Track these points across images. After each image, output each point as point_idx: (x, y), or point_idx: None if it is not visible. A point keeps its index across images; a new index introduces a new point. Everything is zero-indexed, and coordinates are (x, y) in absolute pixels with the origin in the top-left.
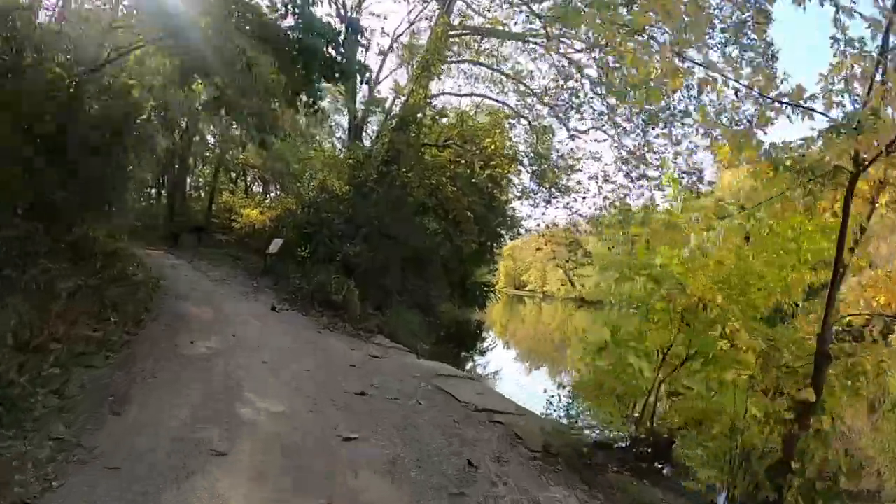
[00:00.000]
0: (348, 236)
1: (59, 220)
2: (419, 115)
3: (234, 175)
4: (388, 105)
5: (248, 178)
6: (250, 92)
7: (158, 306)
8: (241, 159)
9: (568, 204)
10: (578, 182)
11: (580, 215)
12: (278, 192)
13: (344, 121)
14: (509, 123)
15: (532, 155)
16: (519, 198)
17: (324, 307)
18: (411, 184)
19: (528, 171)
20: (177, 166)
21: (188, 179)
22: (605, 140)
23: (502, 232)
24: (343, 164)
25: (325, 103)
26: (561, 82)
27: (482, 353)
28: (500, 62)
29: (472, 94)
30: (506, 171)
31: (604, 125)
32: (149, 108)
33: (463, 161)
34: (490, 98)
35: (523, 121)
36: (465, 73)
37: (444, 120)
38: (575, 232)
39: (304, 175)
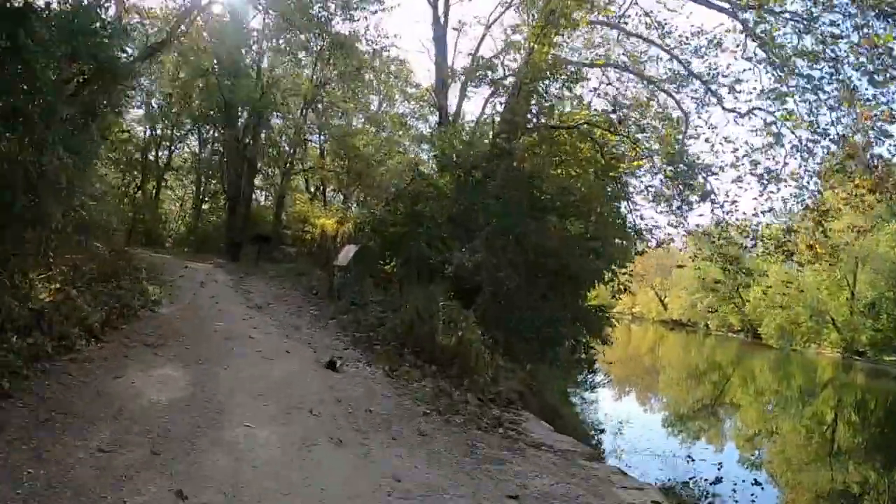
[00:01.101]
0: (456, 241)
1: None
2: (546, 83)
3: (308, 181)
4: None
5: (326, 188)
6: None
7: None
8: (316, 162)
9: (714, 210)
10: (738, 181)
11: (731, 224)
12: (359, 200)
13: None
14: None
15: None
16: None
17: (422, 357)
18: (537, 173)
19: (660, 166)
20: (242, 169)
21: (256, 184)
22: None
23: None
24: (445, 140)
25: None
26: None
27: (591, 387)
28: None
29: (605, 65)
30: (636, 165)
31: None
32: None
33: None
34: (624, 69)
35: (668, 101)
36: (584, 36)
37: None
38: (721, 243)
39: (390, 160)
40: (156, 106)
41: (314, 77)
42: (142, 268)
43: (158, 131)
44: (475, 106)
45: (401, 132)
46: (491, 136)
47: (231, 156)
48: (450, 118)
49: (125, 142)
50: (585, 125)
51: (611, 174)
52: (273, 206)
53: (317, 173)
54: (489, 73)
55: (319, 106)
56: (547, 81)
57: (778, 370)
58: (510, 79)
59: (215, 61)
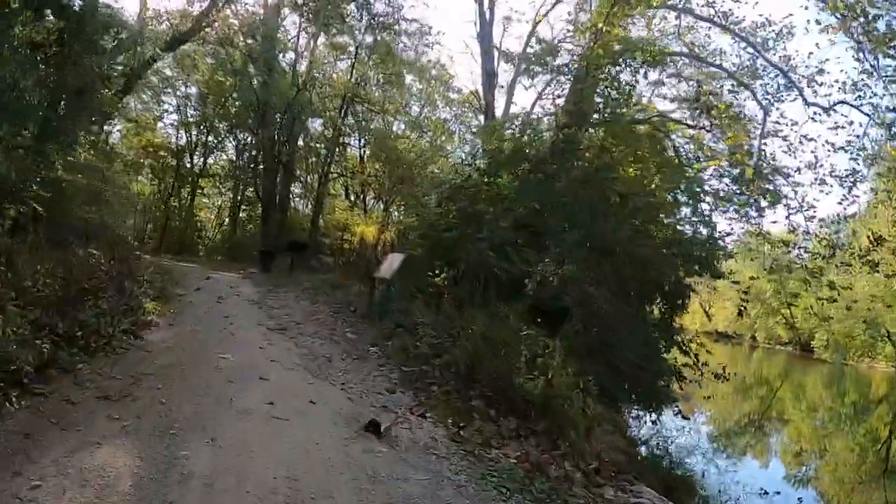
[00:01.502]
0: (529, 248)
1: None
2: (617, 68)
3: (347, 187)
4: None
5: (367, 195)
6: None
7: None
8: (356, 166)
9: (790, 215)
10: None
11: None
12: (402, 207)
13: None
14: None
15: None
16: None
17: (497, 405)
18: (610, 170)
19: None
20: (277, 173)
21: (292, 190)
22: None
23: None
24: (496, 134)
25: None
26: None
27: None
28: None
29: (675, 54)
30: (709, 165)
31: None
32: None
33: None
34: (697, 58)
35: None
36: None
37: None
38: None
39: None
40: (190, 110)
41: (352, 74)
42: (145, 279)
43: (193, 137)
44: (524, 103)
45: (443, 137)
46: (554, 129)
47: (266, 159)
48: (496, 118)
49: (160, 147)
50: (658, 117)
51: (687, 175)
52: (310, 212)
53: (356, 178)
54: (549, 59)
55: (358, 108)
56: (618, 67)
57: (831, 385)
58: (568, 65)
59: (248, 55)
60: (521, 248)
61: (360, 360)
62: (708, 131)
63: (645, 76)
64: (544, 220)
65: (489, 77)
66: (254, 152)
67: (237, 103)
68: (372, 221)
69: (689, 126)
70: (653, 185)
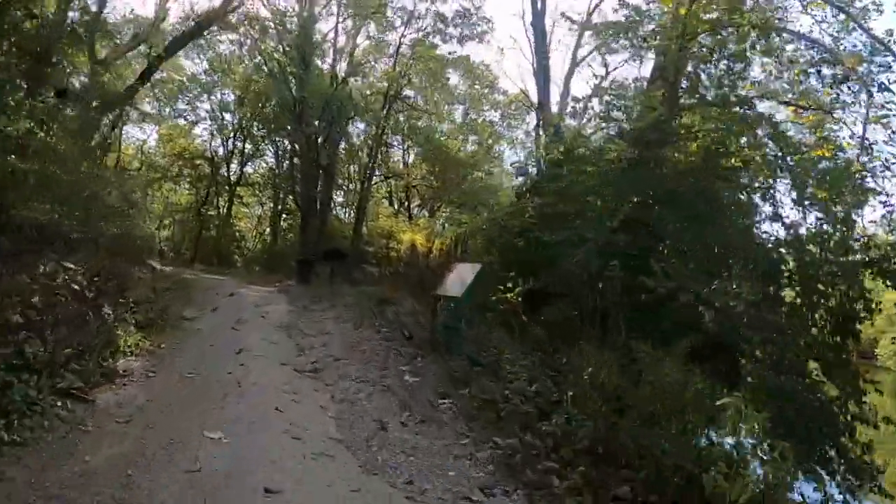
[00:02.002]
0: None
1: None
2: (721, 35)
3: (391, 193)
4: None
5: (411, 201)
6: None
7: None
8: (398, 170)
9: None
10: None
11: None
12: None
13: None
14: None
15: None
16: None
17: None
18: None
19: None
20: (316, 177)
21: (333, 196)
22: None
23: None
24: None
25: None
26: None
27: None
28: None
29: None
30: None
31: None
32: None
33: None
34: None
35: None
36: None
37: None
38: None
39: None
40: (227, 115)
41: (395, 66)
42: (148, 299)
43: (229, 144)
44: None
45: (489, 139)
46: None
47: (303, 162)
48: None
49: (194, 154)
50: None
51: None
52: (352, 219)
53: (403, 181)
54: (633, 26)
55: (401, 116)
56: (722, 35)
57: None
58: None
59: (282, 47)
60: (633, 254)
61: (427, 423)
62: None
63: (753, 48)
64: (652, 218)
65: (543, 76)
66: (292, 157)
67: (275, 107)
68: (419, 228)
69: (802, 107)
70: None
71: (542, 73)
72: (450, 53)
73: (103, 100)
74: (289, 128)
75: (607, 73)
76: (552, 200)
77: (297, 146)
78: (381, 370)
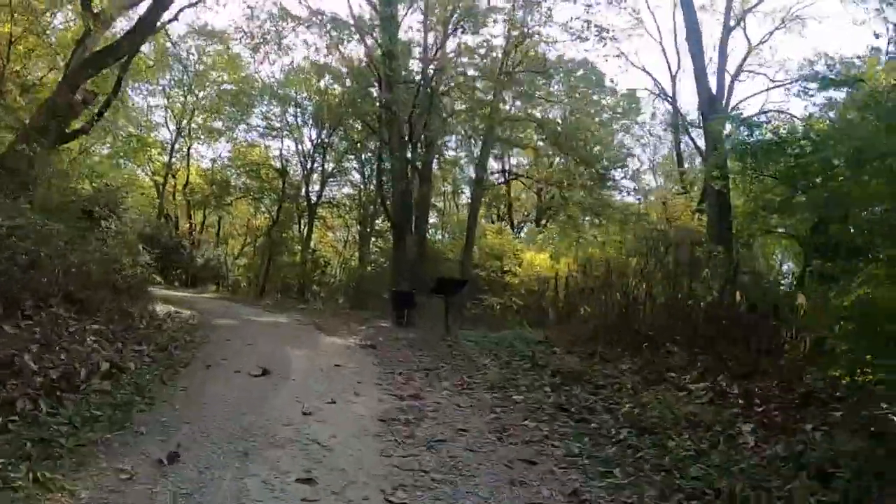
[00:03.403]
0: None
1: None
2: None
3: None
4: None
5: (513, 213)
6: None
7: None
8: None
9: None
10: None
11: None
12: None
13: None
14: None
15: None
16: None
17: None
18: None
19: None
20: (412, 184)
21: (429, 216)
22: None
23: None
24: None
25: None
26: None
27: None
28: None
29: None
30: None
31: None
32: None
33: None
34: None
35: None
36: None
37: None
38: None
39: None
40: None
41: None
42: None
43: (308, 162)
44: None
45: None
46: None
47: (395, 166)
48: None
49: (265, 165)
50: None
51: None
52: (451, 235)
53: (532, 181)
54: None
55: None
56: None
57: None
58: None
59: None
60: None
61: None
62: None
63: None
64: None
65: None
66: (380, 161)
67: (360, 108)
68: (536, 245)
69: None
70: None
71: (694, 37)
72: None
73: None
74: (375, 130)
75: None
76: None
77: (385, 143)
78: None
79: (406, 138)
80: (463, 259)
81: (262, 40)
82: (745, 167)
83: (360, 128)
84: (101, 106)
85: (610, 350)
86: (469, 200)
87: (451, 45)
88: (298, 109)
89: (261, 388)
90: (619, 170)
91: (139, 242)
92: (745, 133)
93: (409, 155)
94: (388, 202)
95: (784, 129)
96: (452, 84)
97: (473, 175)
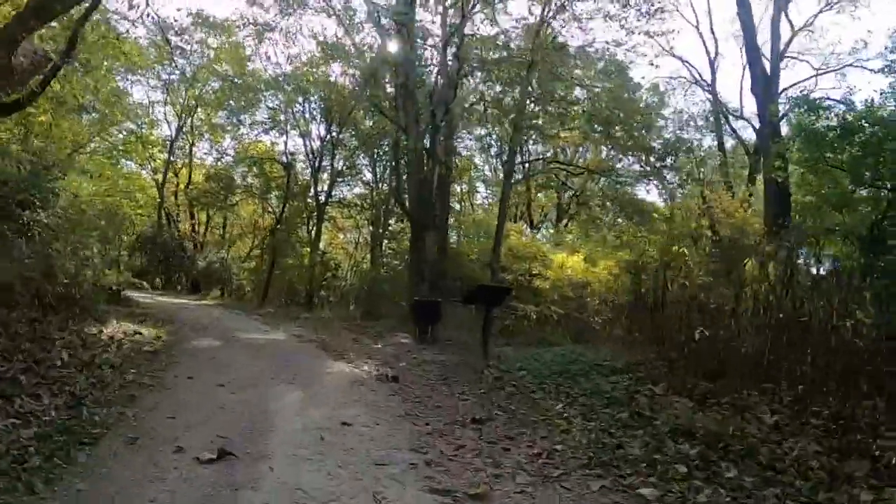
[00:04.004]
0: None
1: None
2: None
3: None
4: None
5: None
6: None
7: None
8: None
9: None
10: None
11: None
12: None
13: None
14: None
15: None
16: None
17: None
18: None
19: None
20: (431, 174)
21: (449, 218)
22: None
23: None
24: None
25: None
26: None
27: None
28: None
29: None
30: None
31: None
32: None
33: None
34: None
35: None
36: None
37: None
38: None
39: None
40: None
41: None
42: None
43: (316, 159)
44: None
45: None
46: None
47: (412, 154)
48: None
49: (266, 157)
50: None
51: None
52: (474, 234)
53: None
54: None
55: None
56: None
57: None
58: None
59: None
60: None
61: None
62: None
63: None
64: None
65: None
66: (396, 151)
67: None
68: (567, 247)
69: None
70: None
71: (745, 8)
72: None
73: None
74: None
75: None
76: None
77: (401, 129)
78: None
79: (424, 128)
80: (491, 261)
81: (265, 27)
82: (812, 156)
83: (370, 123)
84: (47, 72)
85: (742, 393)
86: (490, 197)
87: (477, 18)
88: (307, 103)
89: (208, 494)
90: (673, 158)
91: (93, 237)
92: (810, 118)
93: (427, 141)
94: (404, 195)
95: (849, 114)
96: (476, 64)
97: (502, 164)
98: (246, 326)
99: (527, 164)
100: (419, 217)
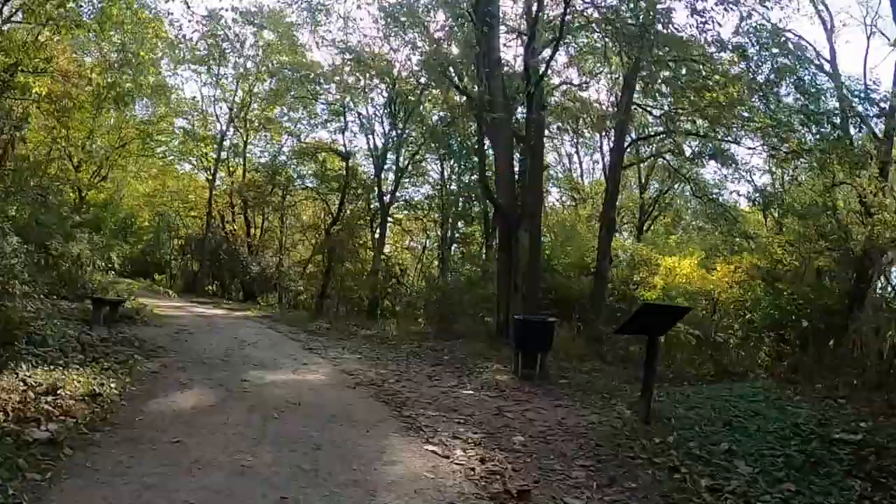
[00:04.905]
0: None
1: None
2: None
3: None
4: None
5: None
6: None
7: None
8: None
9: None
10: None
11: None
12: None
13: None
14: None
15: None
16: None
17: None
18: None
19: None
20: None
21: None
22: None
23: None
24: None
25: None
26: None
27: None
28: None
29: None
30: None
31: None
32: None
33: None
34: None
35: None
36: None
37: None
38: None
39: None
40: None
41: None
42: None
43: (379, 157)
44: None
45: None
46: None
47: (497, 137)
48: None
49: (324, 149)
50: None
51: None
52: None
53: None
54: None
55: None
56: None
57: None
58: None
59: None
60: None
61: None
62: None
63: None
64: None
65: None
66: (480, 137)
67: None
68: (668, 249)
69: None
70: None
71: None
72: None
73: None
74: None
75: None
76: None
77: (482, 107)
78: None
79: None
80: (599, 269)
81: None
82: None
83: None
84: None
85: None
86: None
87: None
88: (369, 98)
89: None
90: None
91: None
92: None
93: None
94: (488, 184)
95: None
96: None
97: (611, 140)
98: (279, 355)
99: (639, 142)
100: (506, 212)
